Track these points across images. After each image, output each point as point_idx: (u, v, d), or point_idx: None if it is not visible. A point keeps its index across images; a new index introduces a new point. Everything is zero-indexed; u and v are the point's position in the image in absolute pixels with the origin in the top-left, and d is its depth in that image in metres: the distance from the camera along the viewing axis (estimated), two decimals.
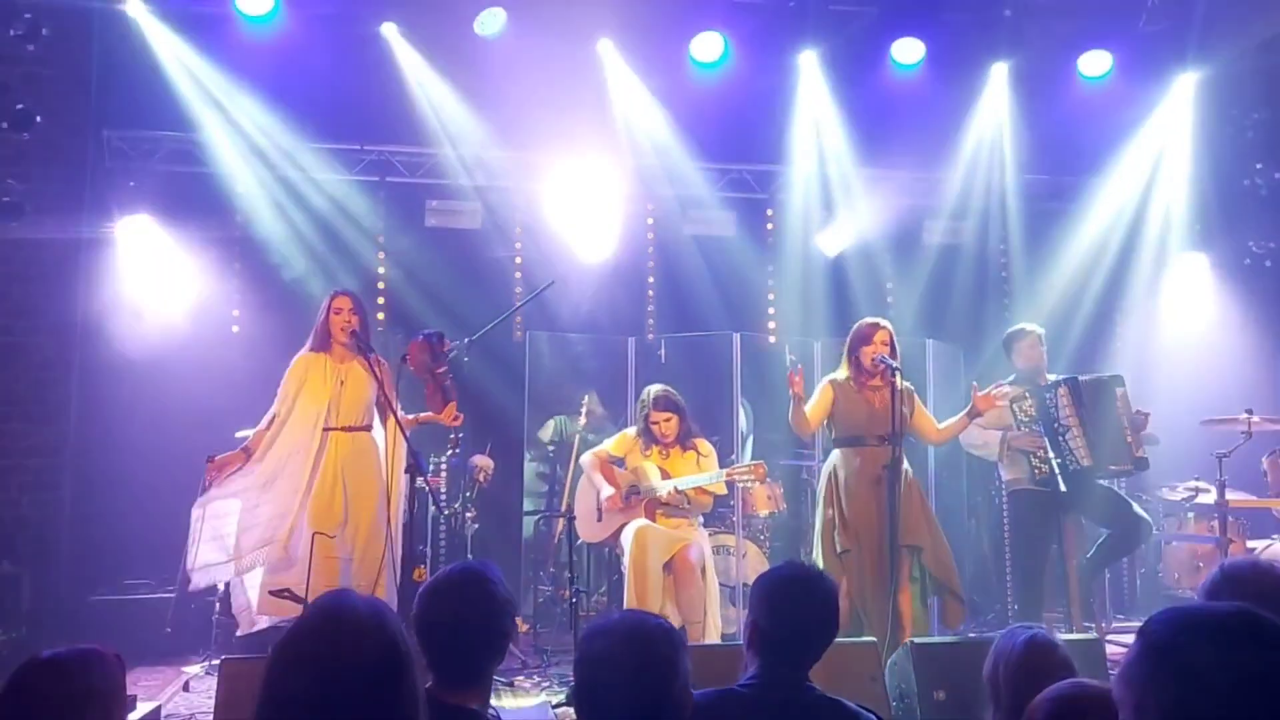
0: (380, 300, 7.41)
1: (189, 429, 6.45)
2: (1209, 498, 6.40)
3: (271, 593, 5.03)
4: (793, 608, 2.51)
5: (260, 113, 6.93)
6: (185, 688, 5.21)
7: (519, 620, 6.64)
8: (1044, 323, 5.97)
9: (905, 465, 5.19)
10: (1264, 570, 2.26)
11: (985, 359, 7.44)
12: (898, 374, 5.09)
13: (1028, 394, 5.62)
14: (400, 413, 5.20)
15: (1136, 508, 5.68)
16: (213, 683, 4.45)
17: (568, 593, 5.04)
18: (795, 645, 2.50)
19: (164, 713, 4.60)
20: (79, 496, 6.51)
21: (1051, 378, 5.70)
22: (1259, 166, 8.07)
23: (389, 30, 7.06)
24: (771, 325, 8.02)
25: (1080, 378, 5.73)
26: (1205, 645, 1.30)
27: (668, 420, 5.68)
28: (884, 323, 5.37)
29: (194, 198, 7.07)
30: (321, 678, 1.58)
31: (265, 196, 7.16)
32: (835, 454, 5.34)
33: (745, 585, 6.24)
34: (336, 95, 7.01)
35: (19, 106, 6.33)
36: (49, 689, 2.05)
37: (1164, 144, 7.98)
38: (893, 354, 5.21)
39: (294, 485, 5.14)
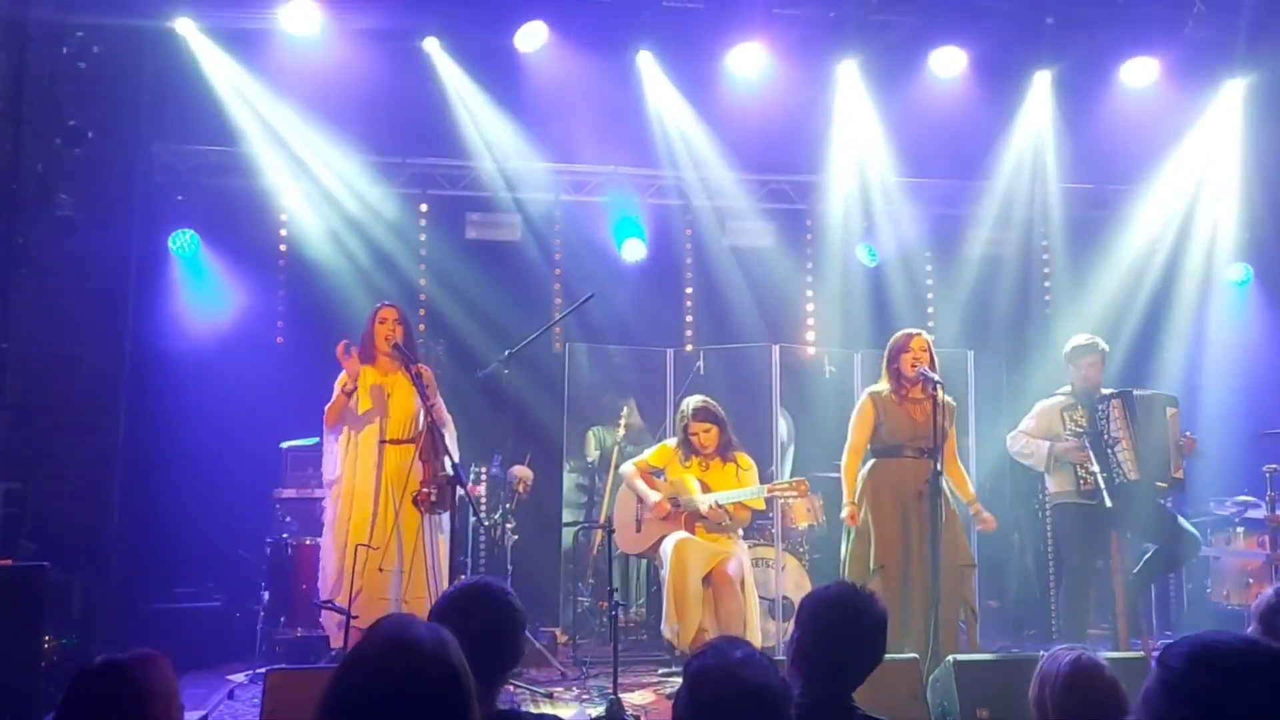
0: (421, 312, 7.49)
1: (235, 439, 6.58)
2: (1259, 513, 6.28)
3: (315, 603, 5.09)
4: (842, 629, 2.53)
5: (304, 127, 7.05)
6: (230, 696, 5.28)
7: (558, 631, 6.68)
8: (1090, 333, 5.89)
9: (945, 486, 5.14)
10: None
11: (1027, 370, 7.36)
12: (940, 387, 5.05)
13: (1080, 405, 5.56)
14: (447, 422, 5.25)
15: (1183, 522, 5.59)
16: (257, 691, 4.51)
17: (607, 604, 5.04)
18: (841, 666, 2.51)
19: None
20: (128, 505, 6.62)
21: (1106, 391, 5.63)
22: None
23: (431, 45, 7.13)
24: (810, 336, 7.99)
25: (1134, 391, 5.66)
26: (1216, 676, 1.43)
27: (707, 431, 5.68)
28: (921, 332, 5.34)
29: (240, 211, 7.21)
30: (383, 705, 1.59)
31: (309, 209, 7.27)
32: (871, 464, 5.29)
33: (785, 599, 6.22)
34: (379, 109, 7.12)
35: (71, 123, 6.47)
36: (109, 692, 2.09)
37: (1211, 152, 7.85)
38: (931, 364, 5.18)
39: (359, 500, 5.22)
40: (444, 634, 1.71)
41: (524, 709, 4.70)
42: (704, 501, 5.58)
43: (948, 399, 5.17)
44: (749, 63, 7.33)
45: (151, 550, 6.59)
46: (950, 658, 4.30)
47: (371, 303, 5.66)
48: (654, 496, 5.73)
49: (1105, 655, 2.79)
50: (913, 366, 5.18)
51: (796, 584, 6.28)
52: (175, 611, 6.26)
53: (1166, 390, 6.15)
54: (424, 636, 1.67)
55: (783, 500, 6.03)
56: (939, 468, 4.98)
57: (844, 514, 5.27)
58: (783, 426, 7.06)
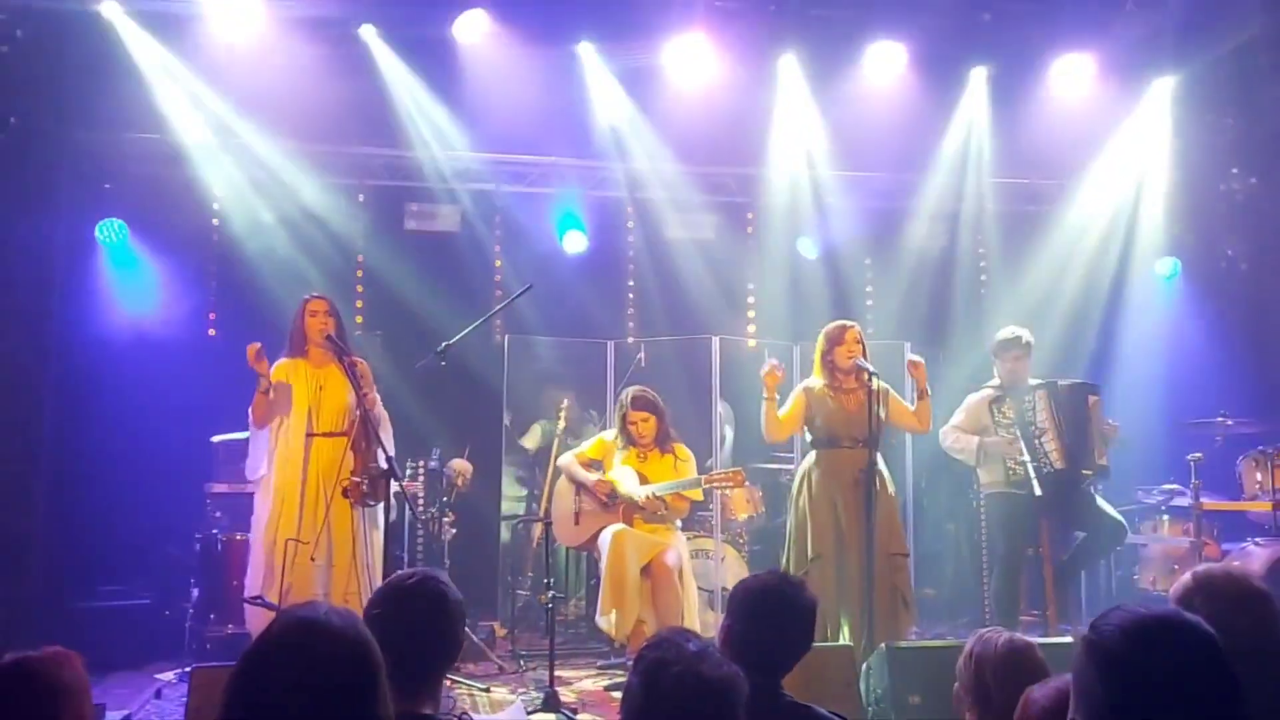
0: (359, 304, 7.38)
1: (165, 433, 6.42)
2: (1184, 501, 6.43)
3: (245, 600, 4.99)
4: (771, 617, 2.53)
5: (237, 115, 6.89)
6: (157, 695, 5.16)
7: (496, 625, 6.63)
8: (1021, 324, 5.98)
9: (884, 471, 5.25)
10: (1236, 578, 2.29)
11: (962, 362, 7.46)
12: (874, 377, 5.10)
13: (1008, 397, 5.65)
14: (382, 418, 5.17)
15: (1111, 510, 5.71)
16: (185, 689, 4.41)
17: (545, 597, 5.02)
18: (771, 654, 2.51)
19: None
20: (52, 502, 6.44)
21: (1032, 382, 5.73)
22: (1234, 171, 8.13)
23: (368, 32, 7.01)
24: (751, 329, 8.02)
25: (1059, 382, 5.77)
26: (1139, 645, 1.52)
27: (645, 420, 5.69)
28: (853, 324, 5.45)
29: (170, 201, 7.02)
30: (290, 688, 1.56)
31: (242, 199, 7.11)
32: (810, 456, 5.40)
33: (724, 590, 6.24)
34: (314, 97, 6.95)
35: None
36: (18, 692, 2.03)
37: (1141, 148, 8.01)
38: (863, 353, 5.29)
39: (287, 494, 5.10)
40: (354, 616, 1.70)
41: (459, 705, 4.67)
42: (640, 492, 5.58)
43: (881, 384, 5.21)
44: (690, 54, 7.32)
45: (77, 547, 6.41)
46: (883, 645, 4.34)
47: (305, 294, 5.54)
48: (593, 477, 5.75)
49: (1036, 640, 2.84)
50: (848, 358, 5.28)
51: (736, 575, 6.29)
52: (102, 610, 6.10)
53: (1090, 380, 6.28)
54: (331, 617, 1.65)
55: (720, 491, 6.06)
56: (873, 457, 5.07)
57: (763, 370, 5.23)
58: (726, 411, 7.09)
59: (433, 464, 6.50)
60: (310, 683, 1.57)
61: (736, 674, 1.90)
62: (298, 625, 1.64)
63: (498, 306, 6.34)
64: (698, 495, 5.84)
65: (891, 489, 5.37)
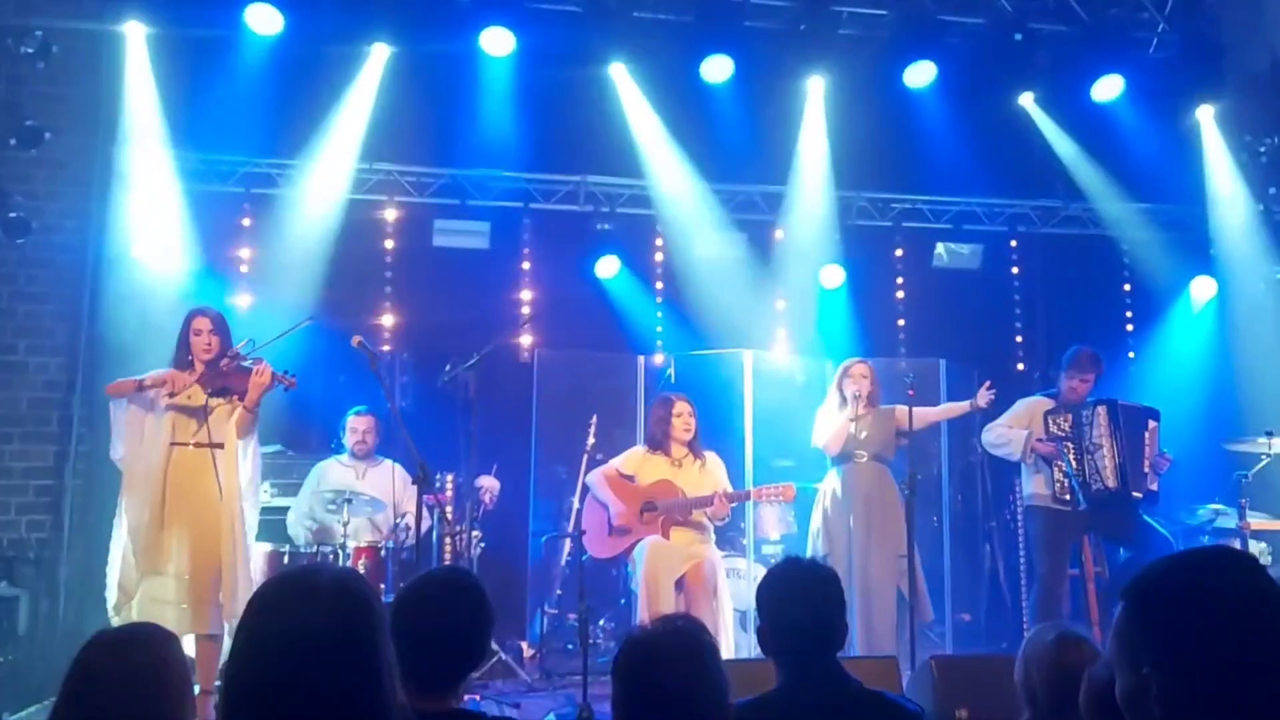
0: (388, 320, 7.37)
1: None
2: (1229, 521, 6.28)
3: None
4: (796, 597, 2.45)
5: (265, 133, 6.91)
6: None
7: (525, 645, 6.52)
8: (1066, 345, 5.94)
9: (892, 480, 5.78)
10: None
11: (997, 379, 7.35)
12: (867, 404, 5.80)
13: (1064, 409, 5.57)
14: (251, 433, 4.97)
15: (1157, 526, 5.58)
16: None
17: (575, 615, 4.92)
18: (810, 633, 2.41)
19: None
20: (80, 518, 6.40)
21: (1091, 399, 5.66)
22: (1271, 192, 8.03)
23: (387, 49, 7.01)
24: (781, 346, 7.94)
25: (1119, 401, 5.67)
26: (1184, 585, 1.36)
27: (692, 415, 5.74)
28: (861, 361, 6.04)
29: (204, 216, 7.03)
30: (288, 629, 1.52)
31: (273, 216, 7.12)
32: (828, 472, 5.96)
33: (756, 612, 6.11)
34: (342, 115, 6.99)
35: (28, 123, 6.32)
36: (111, 666, 2.01)
37: (1181, 170, 7.95)
38: (873, 383, 5.86)
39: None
40: (354, 571, 1.69)
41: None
42: (696, 497, 5.56)
43: (886, 406, 5.90)
44: (718, 74, 7.31)
45: (104, 563, 6.34)
46: (930, 657, 4.23)
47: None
48: (618, 507, 5.65)
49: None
50: (854, 390, 5.84)
51: None
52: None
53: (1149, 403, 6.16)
54: (327, 568, 1.65)
55: (766, 503, 6.05)
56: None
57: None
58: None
59: (460, 480, 6.44)
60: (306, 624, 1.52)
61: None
62: (288, 577, 1.61)
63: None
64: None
65: (899, 497, 5.66)
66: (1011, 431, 5.63)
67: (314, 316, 5.35)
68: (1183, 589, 1.36)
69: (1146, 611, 1.38)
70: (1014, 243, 8.33)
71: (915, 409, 5.67)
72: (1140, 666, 1.35)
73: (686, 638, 2.05)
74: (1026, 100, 7.74)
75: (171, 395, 4.83)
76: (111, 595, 4.82)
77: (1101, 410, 5.52)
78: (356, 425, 6.18)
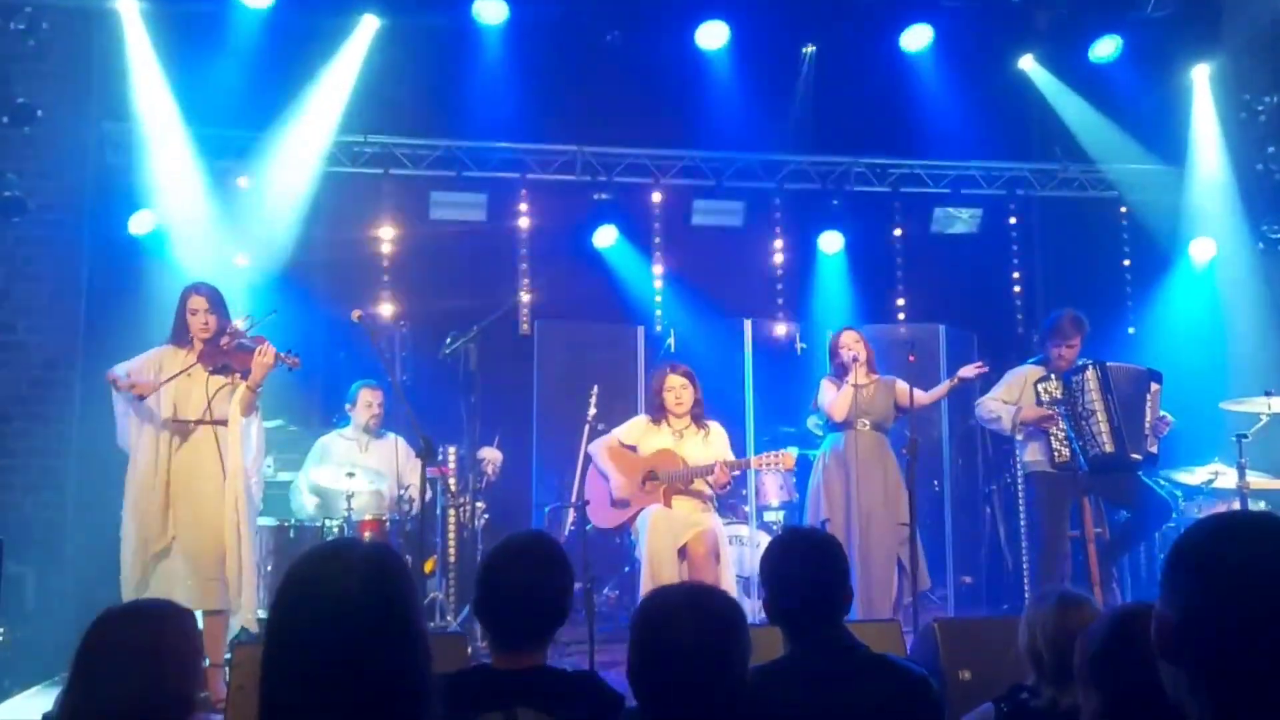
0: (386, 293, 7.36)
1: None
2: (1229, 481, 6.29)
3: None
4: (797, 564, 2.47)
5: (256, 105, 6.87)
6: None
7: None
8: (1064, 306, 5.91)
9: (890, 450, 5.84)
10: None
11: (997, 346, 7.36)
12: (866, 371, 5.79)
13: (1053, 375, 5.55)
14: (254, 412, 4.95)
15: (1156, 488, 5.59)
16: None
17: (580, 585, 4.94)
18: (815, 602, 2.43)
19: None
20: (83, 495, 6.42)
21: (1080, 361, 5.61)
22: (1270, 151, 7.99)
23: (370, 21, 6.93)
24: (781, 314, 7.94)
25: (1109, 364, 5.63)
26: (1233, 544, 1.32)
27: (685, 388, 5.65)
28: (851, 328, 6.06)
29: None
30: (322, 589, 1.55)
31: (264, 188, 7.07)
32: (828, 439, 5.96)
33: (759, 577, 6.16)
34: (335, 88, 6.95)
35: (20, 100, 6.28)
36: (125, 638, 2.04)
37: (1176, 131, 7.91)
38: (866, 347, 5.84)
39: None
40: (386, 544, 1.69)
41: None
42: (697, 466, 5.57)
43: (888, 378, 5.88)
44: (715, 41, 7.25)
45: (109, 540, 6.36)
46: (933, 620, 4.26)
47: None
48: (617, 480, 5.67)
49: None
50: (849, 355, 5.81)
51: None
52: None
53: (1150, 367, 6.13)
54: (358, 542, 1.68)
55: (767, 471, 6.05)
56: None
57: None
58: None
59: (463, 452, 6.45)
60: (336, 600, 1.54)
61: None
62: (322, 552, 1.65)
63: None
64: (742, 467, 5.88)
65: (899, 467, 5.73)
66: (1001, 406, 5.62)
67: (276, 309, 5.21)
68: (1228, 558, 1.31)
69: (1191, 574, 1.33)
70: (1013, 206, 8.29)
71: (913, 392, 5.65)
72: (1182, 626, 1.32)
73: (715, 600, 2.06)
74: (1027, 62, 7.67)
75: (142, 398, 4.78)
76: (125, 572, 4.84)
77: (1090, 374, 5.47)
78: (371, 399, 6.17)
